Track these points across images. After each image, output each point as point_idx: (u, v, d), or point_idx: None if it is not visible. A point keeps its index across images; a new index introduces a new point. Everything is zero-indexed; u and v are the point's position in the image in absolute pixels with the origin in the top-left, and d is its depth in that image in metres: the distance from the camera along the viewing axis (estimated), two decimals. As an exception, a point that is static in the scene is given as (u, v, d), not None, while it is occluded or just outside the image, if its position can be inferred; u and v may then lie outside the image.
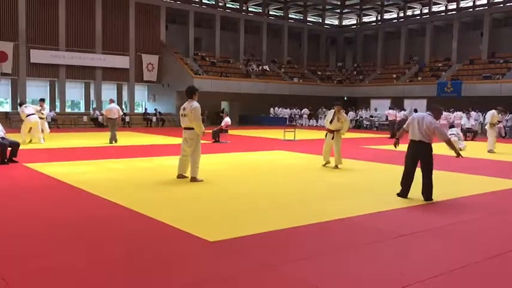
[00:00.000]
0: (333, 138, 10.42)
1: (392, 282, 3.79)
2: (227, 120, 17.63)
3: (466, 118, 22.75)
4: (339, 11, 41.59)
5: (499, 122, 17.46)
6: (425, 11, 37.34)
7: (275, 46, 37.93)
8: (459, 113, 23.98)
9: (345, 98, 35.00)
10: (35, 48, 26.72)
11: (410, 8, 38.45)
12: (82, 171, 9.30)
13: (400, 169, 7.36)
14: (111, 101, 16.30)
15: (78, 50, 28.09)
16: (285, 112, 33.23)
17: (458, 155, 7.05)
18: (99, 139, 16.84)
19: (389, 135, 21.09)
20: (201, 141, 8.42)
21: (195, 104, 8.14)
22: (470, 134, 21.65)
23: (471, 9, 34.64)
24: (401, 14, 39.02)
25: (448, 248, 4.71)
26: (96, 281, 3.65)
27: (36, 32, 26.82)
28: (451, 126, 17.68)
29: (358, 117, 31.32)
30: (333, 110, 10.52)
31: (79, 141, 15.99)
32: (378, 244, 4.78)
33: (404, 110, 24.41)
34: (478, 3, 34.62)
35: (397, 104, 28.22)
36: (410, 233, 5.20)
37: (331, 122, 10.43)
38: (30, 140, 14.52)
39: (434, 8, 37.00)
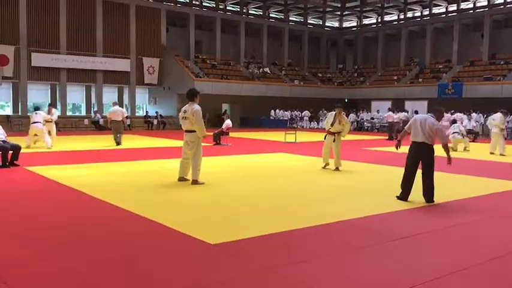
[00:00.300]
0: (334, 141, 10.46)
1: (392, 285, 3.79)
2: (228, 122, 17.65)
3: (467, 119, 22.73)
4: (339, 13, 41.66)
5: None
6: (426, 12, 37.37)
7: (276, 48, 37.97)
8: (460, 114, 23.94)
9: (346, 100, 35.00)
10: (36, 51, 26.77)
11: (410, 10, 38.47)
12: (83, 174, 9.32)
13: (400, 171, 7.35)
14: (115, 103, 16.35)
15: (79, 53, 28.12)
16: (285, 114, 33.21)
17: (449, 161, 6.99)
18: (100, 142, 16.88)
19: (386, 137, 21.15)
20: (202, 144, 8.41)
21: (196, 106, 8.13)
22: (472, 135, 21.63)
23: (471, 11, 34.69)
24: (402, 16, 39.06)
25: (448, 250, 4.71)
26: (97, 284, 3.66)
27: (37, 35, 26.87)
28: (453, 121, 17.61)
29: (359, 119, 31.34)
30: (333, 112, 10.52)
31: (80, 145, 16.00)
32: (379, 246, 4.78)
33: (406, 112, 24.35)
34: (478, 4, 34.66)
35: (398, 105, 28.21)
36: (411, 235, 5.19)
37: (332, 124, 10.45)
38: (35, 142, 14.60)
39: (435, 10, 37.03)
